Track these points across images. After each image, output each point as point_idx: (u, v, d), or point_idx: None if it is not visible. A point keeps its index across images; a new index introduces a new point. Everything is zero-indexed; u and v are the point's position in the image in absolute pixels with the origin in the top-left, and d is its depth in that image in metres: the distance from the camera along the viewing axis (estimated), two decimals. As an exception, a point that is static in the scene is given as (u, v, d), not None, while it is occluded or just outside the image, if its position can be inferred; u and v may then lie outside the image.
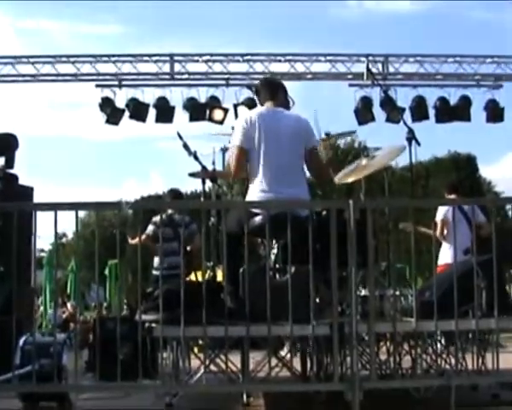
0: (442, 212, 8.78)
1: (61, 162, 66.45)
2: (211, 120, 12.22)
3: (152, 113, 12.13)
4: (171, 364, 5.32)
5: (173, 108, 12.15)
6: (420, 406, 4.91)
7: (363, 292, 5.38)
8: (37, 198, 8.53)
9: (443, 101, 12.39)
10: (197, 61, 12.29)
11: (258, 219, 5.38)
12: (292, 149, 5.60)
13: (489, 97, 12.39)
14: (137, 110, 12.04)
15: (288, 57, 12.38)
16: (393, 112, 12.21)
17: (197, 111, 12.20)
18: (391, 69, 12.35)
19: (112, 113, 12.03)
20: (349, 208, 4.83)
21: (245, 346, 5.11)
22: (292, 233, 4.92)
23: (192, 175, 6.34)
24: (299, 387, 4.95)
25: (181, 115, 12.19)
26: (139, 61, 12.13)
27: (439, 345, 6.10)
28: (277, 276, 5.47)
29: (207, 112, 12.20)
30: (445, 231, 8.96)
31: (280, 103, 5.83)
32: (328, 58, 12.39)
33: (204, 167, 6.31)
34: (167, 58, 12.21)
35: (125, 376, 4.89)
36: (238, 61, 12.34)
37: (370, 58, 12.38)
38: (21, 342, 5.06)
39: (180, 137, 6.27)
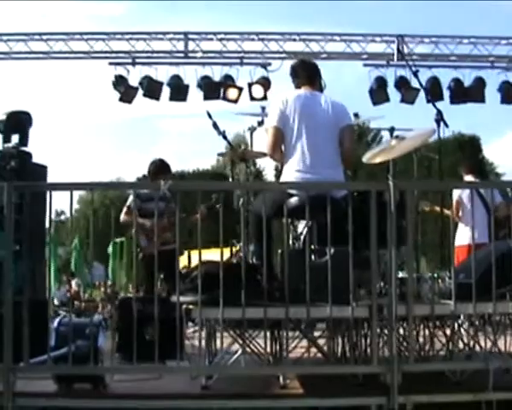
0: (457, 193, 8.77)
1: (73, 140, 65.65)
2: (225, 98, 12.14)
3: (165, 91, 12.07)
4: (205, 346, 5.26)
5: (187, 86, 12.07)
6: (457, 388, 4.89)
7: (400, 274, 5.36)
8: (51, 176, 8.51)
9: (457, 82, 12.33)
10: (211, 39, 12.19)
11: (293, 200, 5.36)
12: (328, 132, 5.60)
13: (503, 79, 12.34)
14: (151, 88, 11.96)
15: (302, 36, 12.28)
16: (409, 92, 12.18)
17: (211, 90, 12.12)
18: (405, 50, 12.25)
19: (125, 91, 11.94)
20: (389, 190, 4.82)
21: (284, 328, 5.08)
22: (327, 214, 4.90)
23: (221, 155, 6.31)
24: (337, 369, 4.93)
25: (195, 94, 12.13)
26: (153, 39, 12.03)
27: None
28: (312, 257, 5.45)
29: (222, 91, 12.13)
30: (460, 213, 8.96)
31: (317, 88, 5.79)
32: (343, 38, 12.31)
33: (232, 147, 6.29)
34: (181, 36, 12.12)
35: (152, 357, 4.89)
36: (253, 39, 12.24)
37: (386, 38, 12.34)
38: (56, 323, 5.02)
39: (209, 116, 6.23)
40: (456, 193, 8.68)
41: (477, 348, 5.44)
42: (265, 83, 12.15)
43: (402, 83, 12.21)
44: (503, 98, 12.28)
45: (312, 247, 5.43)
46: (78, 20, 37.93)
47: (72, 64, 12.07)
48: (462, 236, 8.66)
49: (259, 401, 4.84)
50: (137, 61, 11.96)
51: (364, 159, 6.44)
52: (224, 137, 6.22)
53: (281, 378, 5.00)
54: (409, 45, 12.26)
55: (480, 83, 12.21)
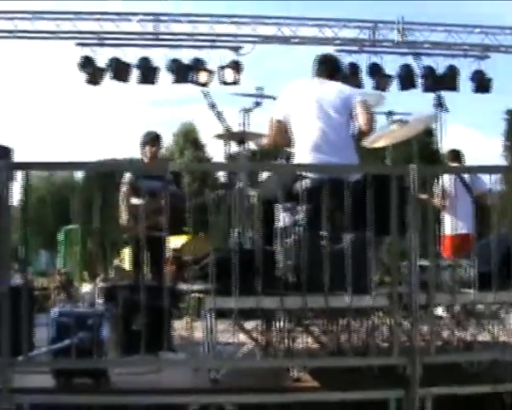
0: (440, 183, 8.63)
1: (39, 123, 63.50)
2: (195, 82, 11.82)
3: (134, 74, 11.68)
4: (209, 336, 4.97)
5: (157, 68, 11.70)
6: (475, 379, 4.72)
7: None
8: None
9: (430, 70, 12.24)
10: (182, 21, 11.83)
11: (304, 183, 5.11)
12: (339, 115, 5.45)
13: (476, 68, 12.30)
14: (119, 70, 11.55)
15: (274, 20, 12.03)
16: (382, 80, 12.05)
17: (181, 73, 11.78)
18: (379, 36, 12.13)
19: (93, 73, 11.51)
20: (410, 175, 4.61)
21: (303, 318, 4.84)
22: (339, 199, 4.68)
23: (219, 137, 6.01)
24: (356, 361, 4.71)
25: (164, 77, 11.76)
26: (122, 20, 11.62)
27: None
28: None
29: (192, 74, 11.80)
30: (447, 202, 8.83)
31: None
32: (316, 22, 12.10)
33: (228, 129, 6.00)
34: (151, 17, 11.74)
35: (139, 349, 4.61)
36: (224, 22, 11.94)
37: (359, 24, 12.19)
38: (55, 313, 4.67)
39: (205, 96, 5.94)
40: (440, 182, 8.56)
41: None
42: (237, 67, 11.87)
43: (375, 70, 12.09)
44: (476, 87, 12.24)
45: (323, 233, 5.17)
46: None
47: (37, 44, 11.53)
48: (448, 226, 8.53)
49: (273, 395, 4.60)
50: (105, 42, 11.53)
51: (367, 143, 6.26)
52: (221, 118, 5.91)
53: (293, 371, 4.76)
54: (382, 32, 12.16)
55: (453, 71, 12.14)
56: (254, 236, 5.71)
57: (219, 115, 5.92)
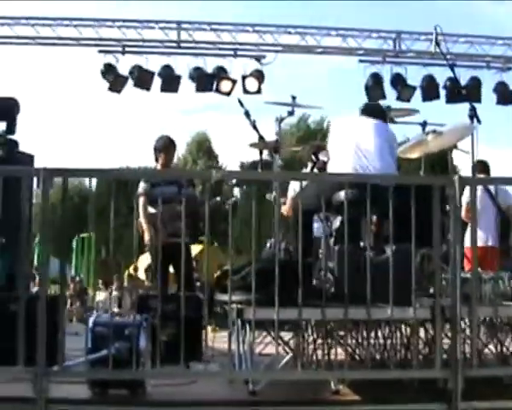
0: (467, 193, 8.50)
1: (62, 130, 63.19)
2: (218, 91, 11.77)
3: (156, 82, 11.65)
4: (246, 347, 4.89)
5: (179, 77, 11.65)
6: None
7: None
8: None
9: (453, 81, 12.13)
10: (205, 29, 11.79)
11: (343, 193, 5.04)
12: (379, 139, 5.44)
13: (498, 79, 12.21)
14: (142, 78, 11.49)
15: (298, 29, 11.95)
16: (405, 90, 11.97)
17: (204, 81, 11.73)
18: (402, 47, 12.06)
19: (114, 80, 11.47)
20: (454, 185, 4.54)
21: (346, 329, 4.75)
22: (379, 208, 4.62)
23: (252, 145, 5.96)
24: (396, 374, 4.62)
25: (187, 85, 11.71)
26: (144, 28, 11.58)
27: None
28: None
29: (214, 82, 11.75)
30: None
31: None
32: (340, 32, 12.02)
33: (262, 137, 5.94)
34: (174, 25, 11.69)
35: (168, 359, 4.54)
36: (247, 31, 11.87)
37: (382, 34, 12.12)
38: (91, 322, 4.59)
39: (241, 105, 5.88)
40: (466, 194, 8.44)
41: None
42: (259, 76, 11.81)
43: (398, 80, 12.01)
44: (499, 99, 12.14)
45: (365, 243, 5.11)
46: (66, 5, 36.37)
47: (59, 51, 11.49)
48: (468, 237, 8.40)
49: (312, 407, 4.52)
50: (127, 49, 11.48)
51: (400, 153, 6.20)
52: (254, 127, 5.86)
53: (332, 384, 4.68)
54: (406, 42, 12.09)
55: (475, 82, 12.02)
56: (289, 247, 5.66)
57: (253, 125, 5.86)
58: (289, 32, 11.95)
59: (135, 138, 63.33)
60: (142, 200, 7.09)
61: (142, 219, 7.11)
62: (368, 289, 4.41)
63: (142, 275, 24.18)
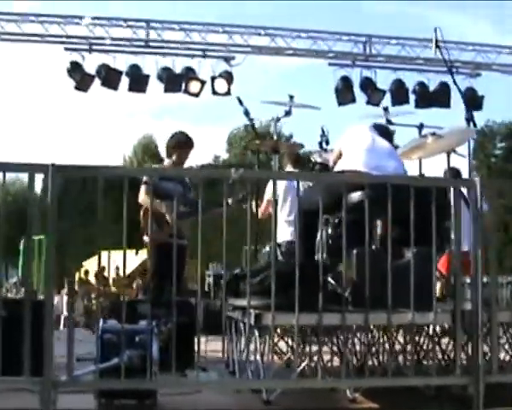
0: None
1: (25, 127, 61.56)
2: (186, 91, 11.54)
3: (124, 81, 11.34)
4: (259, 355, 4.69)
5: (147, 76, 11.38)
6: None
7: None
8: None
9: (422, 86, 12.17)
10: (174, 29, 11.54)
11: (357, 195, 4.89)
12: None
13: (467, 85, 12.26)
14: (109, 77, 11.17)
15: (268, 31, 11.81)
16: (374, 94, 11.94)
17: (172, 82, 11.49)
18: (373, 51, 12.03)
19: (81, 79, 11.13)
20: (475, 187, 4.44)
21: (365, 336, 4.60)
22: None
23: (251, 145, 5.76)
24: (416, 381, 4.48)
25: (155, 85, 11.45)
26: (112, 26, 11.28)
27: None
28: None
29: (183, 83, 11.52)
30: None
31: None
32: (310, 34, 11.92)
33: (260, 137, 5.77)
34: (143, 24, 11.42)
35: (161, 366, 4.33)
36: (217, 31, 11.68)
37: (352, 38, 12.07)
38: (99, 329, 4.32)
39: (240, 103, 5.69)
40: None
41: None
42: (228, 77, 11.62)
43: (367, 84, 11.97)
44: (468, 105, 12.16)
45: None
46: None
47: (24, 47, 11.10)
48: None
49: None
50: (95, 47, 11.16)
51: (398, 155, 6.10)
52: (253, 127, 5.69)
53: (348, 392, 4.52)
54: (376, 47, 12.07)
55: (444, 88, 12.05)
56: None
57: (251, 125, 5.69)
58: (259, 34, 11.80)
59: (97, 137, 62.58)
60: (144, 187, 6.42)
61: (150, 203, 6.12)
62: (389, 294, 4.27)
63: (92, 279, 23.67)
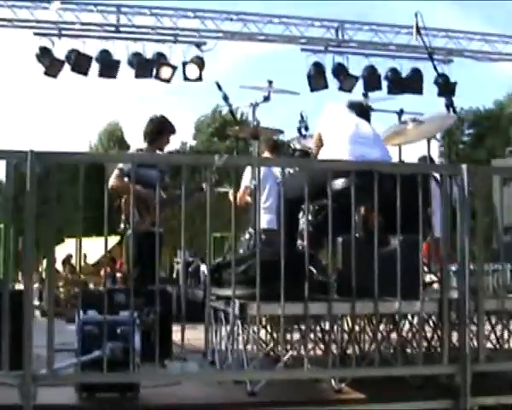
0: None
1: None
2: (157, 77, 11.38)
3: (94, 67, 11.14)
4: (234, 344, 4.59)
5: (118, 62, 11.19)
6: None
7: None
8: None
9: (394, 72, 12.14)
10: (145, 13, 11.36)
11: (341, 181, 4.81)
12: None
13: (440, 71, 12.24)
14: (79, 63, 10.98)
15: (240, 16, 11.68)
16: (347, 80, 11.88)
17: (143, 67, 11.32)
18: (345, 36, 11.97)
19: (50, 64, 10.91)
20: (462, 173, 4.38)
21: (352, 324, 4.52)
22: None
23: (231, 131, 5.65)
24: (403, 371, 4.43)
25: (126, 71, 11.27)
26: (82, 10, 11.06)
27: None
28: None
29: (154, 69, 11.35)
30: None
31: None
32: (282, 20, 11.82)
33: (238, 122, 5.66)
34: (113, 8, 11.21)
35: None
36: (188, 16, 11.53)
37: (325, 23, 11.99)
38: (79, 321, 4.19)
39: (219, 88, 5.57)
40: None
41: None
42: (200, 62, 11.48)
43: (340, 70, 11.91)
44: (441, 91, 12.19)
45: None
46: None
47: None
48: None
49: (314, 407, 4.29)
50: (64, 32, 10.95)
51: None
52: (232, 113, 5.57)
53: (333, 382, 4.44)
54: (348, 32, 12.01)
55: (417, 74, 12.05)
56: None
57: (230, 110, 5.58)
58: (231, 19, 11.66)
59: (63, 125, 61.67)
60: (117, 172, 6.22)
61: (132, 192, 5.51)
62: (375, 282, 4.20)
63: (59, 266, 23.39)
